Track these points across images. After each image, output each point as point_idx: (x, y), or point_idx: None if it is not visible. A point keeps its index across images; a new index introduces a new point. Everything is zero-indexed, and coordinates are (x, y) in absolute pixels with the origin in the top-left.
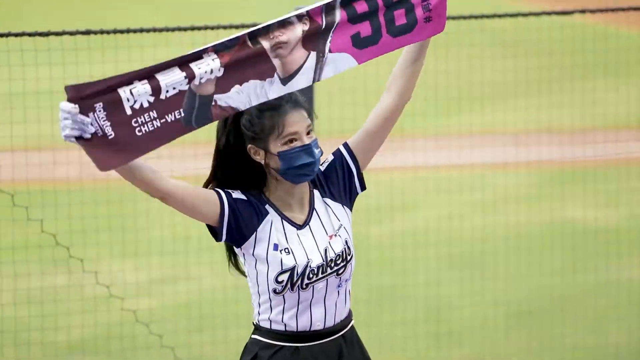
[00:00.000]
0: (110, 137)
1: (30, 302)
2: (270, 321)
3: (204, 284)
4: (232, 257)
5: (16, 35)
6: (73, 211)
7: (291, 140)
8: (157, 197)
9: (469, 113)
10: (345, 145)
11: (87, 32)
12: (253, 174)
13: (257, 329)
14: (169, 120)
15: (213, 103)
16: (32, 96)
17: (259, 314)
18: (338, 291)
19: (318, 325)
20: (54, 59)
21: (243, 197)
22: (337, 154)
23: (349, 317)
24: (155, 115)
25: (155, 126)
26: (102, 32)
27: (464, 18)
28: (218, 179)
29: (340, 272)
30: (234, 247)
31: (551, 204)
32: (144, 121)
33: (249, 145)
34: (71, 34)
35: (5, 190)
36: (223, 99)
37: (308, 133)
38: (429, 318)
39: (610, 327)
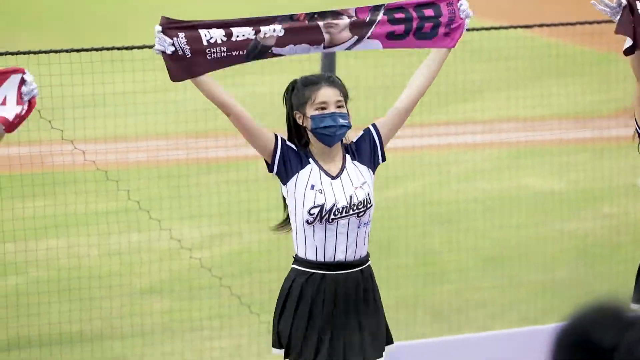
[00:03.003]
0: (188, 57)
1: (115, 253)
2: (306, 251)
3: (251, 238)
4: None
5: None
6: (151, 183)
7: (322, 108)
8: (224, 111)
9: (446, 105)
10: (374, 124)
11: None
12: (300, 134)
13: (296, 260)
14: (234, 54)
15: (270, 51)
16: (119, 96)
17: (297, 246)
18: (358, 231)
19: (341, 257)
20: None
21: (294, 147)
22: (367, 130)
23: (366, 257)
24: (225, 49)
25: (223, 55)
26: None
27: None
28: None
29: (360, 214)
30: (282, 185)
31: (510, 174)
32: (215, 51)
33: (295, 111)
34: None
35: (101, 168)
36: (278, 50)
37: (339, 107)
38: (418, 262)
39: (555, 266)
